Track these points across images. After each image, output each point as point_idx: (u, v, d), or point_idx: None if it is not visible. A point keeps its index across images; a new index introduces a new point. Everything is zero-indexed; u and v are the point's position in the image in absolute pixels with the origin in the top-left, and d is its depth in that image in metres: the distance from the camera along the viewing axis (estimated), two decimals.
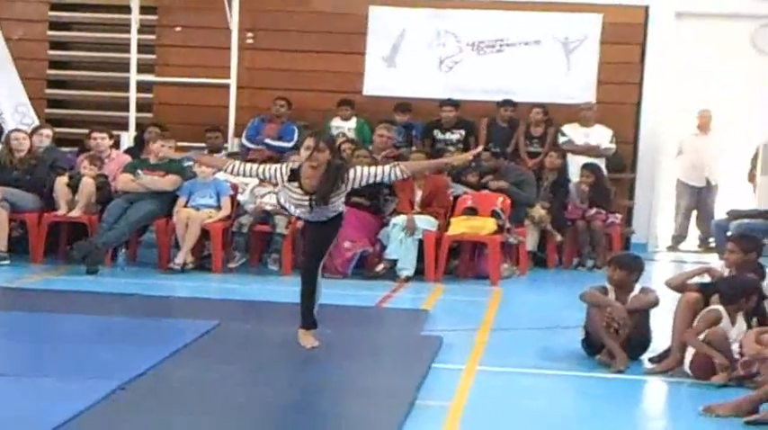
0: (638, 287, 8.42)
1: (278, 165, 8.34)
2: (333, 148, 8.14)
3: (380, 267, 11.99)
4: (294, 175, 8.06)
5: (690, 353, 7.84)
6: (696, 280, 8.47)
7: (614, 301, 8.28)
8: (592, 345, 8.38)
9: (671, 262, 14.42)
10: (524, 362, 8.23)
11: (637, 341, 8.26)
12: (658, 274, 11.23)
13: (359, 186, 8.27)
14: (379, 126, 13.68)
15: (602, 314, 8.22)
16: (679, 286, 8.35)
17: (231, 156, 12.67)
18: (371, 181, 8.23)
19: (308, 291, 8.15)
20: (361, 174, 8.08)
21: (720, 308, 7.86)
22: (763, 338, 7.43)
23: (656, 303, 8.35)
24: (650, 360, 8.28)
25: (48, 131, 13.26)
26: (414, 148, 13.44)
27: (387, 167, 8.18)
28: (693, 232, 15.55)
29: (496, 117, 14.38)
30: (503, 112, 14.33)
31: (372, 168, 8.24)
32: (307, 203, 8.04)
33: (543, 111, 14.23)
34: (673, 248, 15.36)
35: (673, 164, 15.53)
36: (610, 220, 13.38)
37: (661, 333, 8.39)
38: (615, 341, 8.12)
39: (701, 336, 7.77)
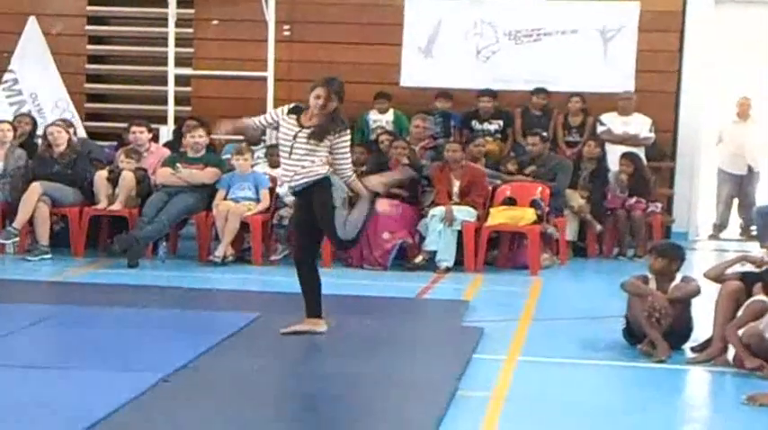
0: (679, 276, 8.39)
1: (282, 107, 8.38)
2: (341, 98, 8.13)
3: (419, 259, 11.99)
4: (295, 111, 8.16)
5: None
6: (736, 268, 8.41)
7: (655, 291, 8.25)
8: (633, 335, 8.35)
9: (712, 251, 14.33)
10: (565, 352, 8.22)
11: (678, 330, 8.23)
12: (699, 263, 11.16)
13: (334, 152, 8.13)
14: (415, 116, 13.66)
15: (643, 303, 8.19)
16: (718, 277, 8.29)
17: (270, 148, 12.73)
18: (339, 161, 8.13)
19: (305, 281, 8.25)
20: (344, 147, 8.11)
21: (765, 298, 7.80)
22: None
23: (697, 292, 8.31)
24: (692, 349, 8.24)
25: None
26: (452, 139, 13.42)
27: (350, 171, 8.18)
28: (735, 220, 15.45)
29: (530, 106, 14.35)
30: (535, 101, 14.30)
31: (347, 157, 8.20)
32: (294, 134, 8.03)
33: (581, 99, 14.18)
34: (714, 237, 15.27)
35: (713, 152, 15.43)
36: (650, 209, 13.32)
37: (703, 322, 8.35)
38: (657, 330, 8.09)
39: (741, 331, 7.70)
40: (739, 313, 7.85)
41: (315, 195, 8.10)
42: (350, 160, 8.26)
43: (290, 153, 8.10)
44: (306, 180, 8.08)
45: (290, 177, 8.13)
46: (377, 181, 8.43)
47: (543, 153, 13.09)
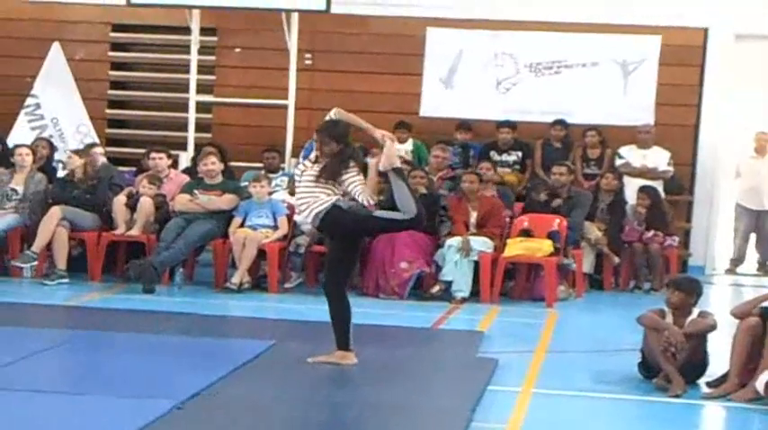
0: (695, 310, 8.35)
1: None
2: (338, 138, 8.18)
3: (436, 289, 11.99)
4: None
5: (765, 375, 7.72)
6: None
7: (672, 325, 8.22)
8: (648, 369, 8.32)
9: (729, 285, 14.28)
10: (580, 385, 8.20)
11: (694, 365, 8.19)
12: (716, 297, 11.14)
13: (346, 186, 8.18)
14: (435, 146, 13.71)
15: (659, 337, 8.16)
16: (744, 315, 8.21)
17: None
18: (350, 188, 8.17)
19: (333, 313, 8.21)
20: (351, 178, 8.13)
21: None
22: None
23: (714, 327, 8.27)
24: (708, 384, 8.20)
25: (100, 149, 13.44)
26: (470, 169, 13.44)
27: (363, 194, 8.16)
28: (752, 255, 15.40)
29: (550, 138, 14.36)
30: (554, 133, 14.32)
31: (360, 183, 8.19)
32: (302, 171, 8.19)
33: (597, 133, 14.20)
34: (731, 271, 15.22)
35: (731, 186, 15.40)
36: (667, 243, 13.29)
37: (718, 357, 8.31)
38: (672, 365, 8.06)
39: None
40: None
41: (336, 227, 8.17)
42: (359, 184, 8.19)
43: (298, 189, 8.28)
44: (308, 212, 8.16)
45: (300, 212, 8.25)
46: (384, 161, 8.27)
47: (567, 184, 13.10)
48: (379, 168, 8.26)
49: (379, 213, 8.32)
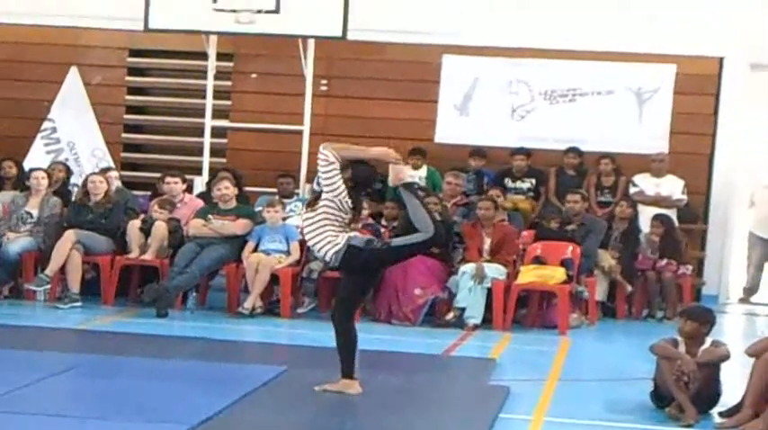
0: (709, 340, 8.32)
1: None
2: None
3: (451, 316, 11.96)
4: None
5: None
6: None
7: (684, 354, 8.19)
8: (661, 398, 8.29)
9: (742, 314, 14.24)
10: (592, 413, 8.16)
11: (707, 395, 8.16)
12: (730, 327, 11.10)
13: (323, 178, 8.01)
14: (448, 173, 13.72)
15: (672, 366, 8.13)
16: (759, 353, 8.16)
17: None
18: (321, 174, 8.00)
19: (339, 341, 8.12)
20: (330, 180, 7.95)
21: None
22: None
23: (727, 357, 8.24)
24: (720, 414, 8.16)
25: (115, 173, 13.49)
26: (484, 196, 13.44)
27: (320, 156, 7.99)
28: (766, 284, 15.35)
29: (564, 165, 14.37)
30: (568, 160, 14.33)
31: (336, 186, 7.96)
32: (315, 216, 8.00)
33: (611, 161, 14.20)
34: (744, 300, 15.18)
35: (745, 215, 15.38)
36: (681, 271, 13.27)
37: (731, 387, 8.28)
38: (685, 394, 8.03)
39: None
40: None
41: (356, 266, 8.00)
42: (338, 188, 7.97)
43: (307, 235, 8.12)
44: (323, 253, 7.99)
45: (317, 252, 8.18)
46: (392, 177, 8.14)
47: (581, 212, 13.09)
48: (389, 184, 8.21)
49: (396, 242, 8.22)
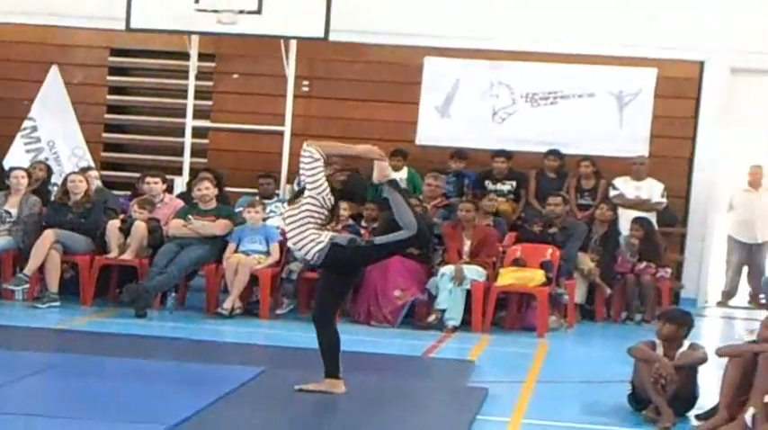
0: (686, 343, 8.35)
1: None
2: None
3: (432, 318, 11.94)
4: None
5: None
6: (747, 338, 8.37)
7: (662, 357, 8.22)
8: (638, 401, 8.32)
9: (720, 317, 14.29)
10: (570, 415, 8.19)
11: (684, 397, 8.19)
12: (708, 330, 11.15)
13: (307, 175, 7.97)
14: (428, 175, 13.73)
15: (649, 369, 8.16)
16: (730, 356, 8.18)
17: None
18: (305, 171, 7.96)
19: (322, 341, 8.11)
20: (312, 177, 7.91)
21: None
22: None
23: (704, 360, 8.27)
24: (697, 417, 8.19)
25: (95, 173, 13.46)
26: (465, 198, 13.46)
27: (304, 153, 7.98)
28: (744, 288, 15.41)
29: (544, 168, 14.40)
30: (549, 163, 14.35)
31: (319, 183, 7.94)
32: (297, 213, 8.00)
33: (591, 163, 14.24)
34: (722, 304, 15.24)
35: (724, 219, 15.44)
36: (659, 274, 13.31)
37: (708, 390, 8.31)
38: (662, 397, 8.06)
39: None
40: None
41: (339, 264, 8.00)
42: (321, 185, 7.94)
43: (288, 234, 8.12)
44: (304, 252, 8.00)
45: (297, 251, 8.18)
46: (377, 174, 8.10)
47: (562, 215, 13.12)
48: (374, 181, 8.21)
49: (379, 240, 8.24)
